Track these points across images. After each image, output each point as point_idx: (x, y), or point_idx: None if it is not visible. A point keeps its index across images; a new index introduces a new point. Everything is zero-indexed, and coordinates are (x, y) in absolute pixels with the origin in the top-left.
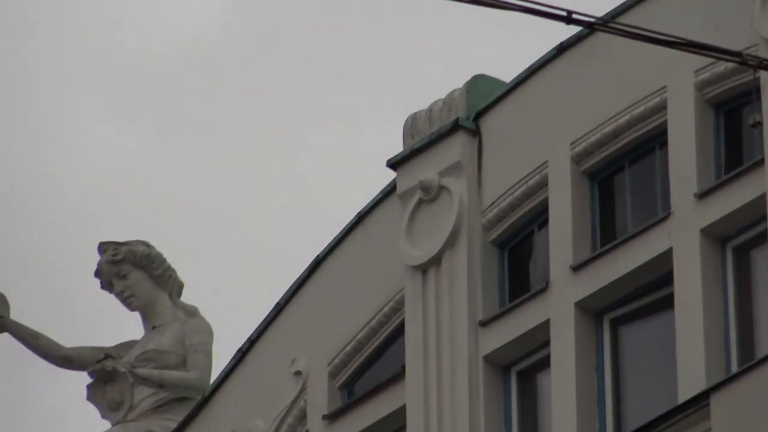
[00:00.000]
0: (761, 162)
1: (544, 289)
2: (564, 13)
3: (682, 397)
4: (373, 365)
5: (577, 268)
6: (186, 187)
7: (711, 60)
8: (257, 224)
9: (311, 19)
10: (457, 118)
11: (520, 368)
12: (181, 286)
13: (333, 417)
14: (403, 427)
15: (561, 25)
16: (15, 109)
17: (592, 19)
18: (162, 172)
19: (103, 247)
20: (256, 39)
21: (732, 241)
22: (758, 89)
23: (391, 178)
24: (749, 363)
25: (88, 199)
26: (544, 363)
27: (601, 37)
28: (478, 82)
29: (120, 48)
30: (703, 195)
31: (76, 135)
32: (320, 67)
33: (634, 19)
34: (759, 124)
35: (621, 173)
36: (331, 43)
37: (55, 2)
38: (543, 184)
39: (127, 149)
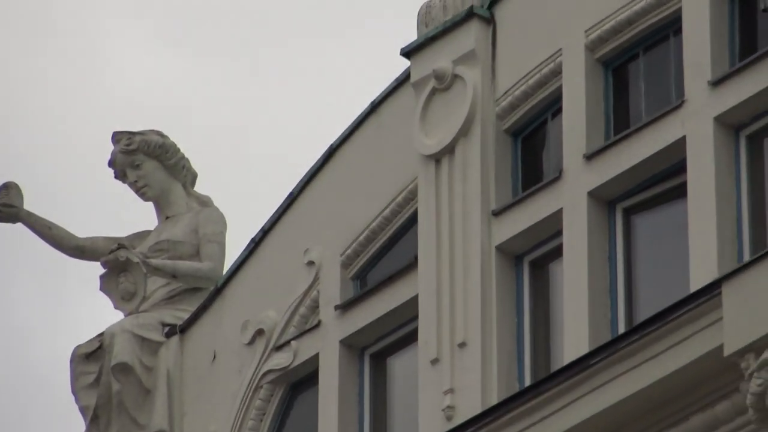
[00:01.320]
0: None
1: (557, 179)
2: None
3: (694, 286)
4: (385, 255)
5: (590, 157)
6: (197, 81)
7: None
8: (270, 114)
9: None
10: (472, 6)
11: (533, 258)
12: (194, 176)
13: (345, 307)
14: (416, 317)
15: None
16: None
17: None
18: (173, 66)
19: (116, 137)
20: None
21: (745, 129)
22: None
23: (405, 67)
24: (761, 252)
25: (100, 89)
26: (557, 252)
27: None
28: None
29: None
30: (717, 83)
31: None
32: None
33: None
34: None
35: (635, 61)
36: None
37: None
38: (557, 72)
39: (140, 48)
